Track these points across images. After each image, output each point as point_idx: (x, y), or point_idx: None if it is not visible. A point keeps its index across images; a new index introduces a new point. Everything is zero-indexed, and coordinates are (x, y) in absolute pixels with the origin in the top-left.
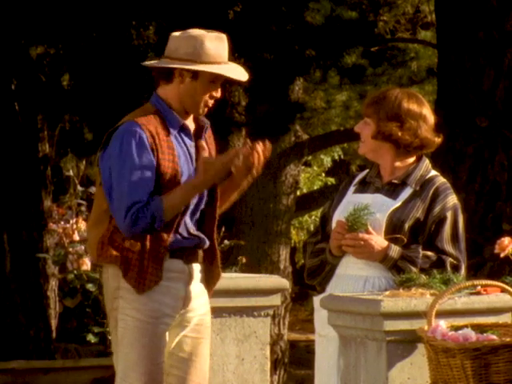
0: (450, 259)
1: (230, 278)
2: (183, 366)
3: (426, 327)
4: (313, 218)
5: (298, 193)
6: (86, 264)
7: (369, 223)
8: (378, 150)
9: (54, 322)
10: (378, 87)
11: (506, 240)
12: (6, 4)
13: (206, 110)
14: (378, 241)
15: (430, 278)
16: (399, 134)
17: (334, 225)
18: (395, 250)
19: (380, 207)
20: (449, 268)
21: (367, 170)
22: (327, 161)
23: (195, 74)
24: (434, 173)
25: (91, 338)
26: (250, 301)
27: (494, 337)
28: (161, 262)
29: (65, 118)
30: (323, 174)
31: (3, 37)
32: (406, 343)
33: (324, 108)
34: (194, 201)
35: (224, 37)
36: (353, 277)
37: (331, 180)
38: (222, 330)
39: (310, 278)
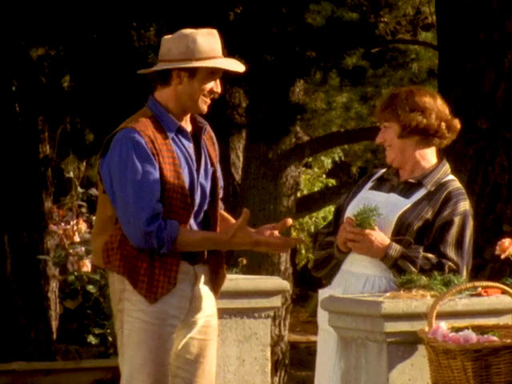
0: (450, 263)
1: (230, 280)
2: (190, 368)
3: (426, 328)
4: (313, 219)
5: (299, 194)
6: (87, 265)
7: (376, 224)
8: (405, 149)
9: (54, 324)
10: (379, 89)
11: (506, 241)
12: (7, 5)
13: (206, 106)
14: (379, 237)
15: (430, 280)
16: (425, 121)
17: (345, 218)
18: (396, 249)
19: (393, 206)
20: (447, 272)
21: (386, 169)
22: (328, 162)
23: (192, 72)
24: (451, 177)
25: (92, 339)
26: (250, 302)
27: (495, 338)
28: (173, 267)
29: (65, 119)
30: (324, 176)
31: (4, 38)
32: (406, 345)
33: (324, 109)
34: (197, 201)
35: (215, 32)
36: (355, 274)
37: (332, 181)
38: (223, 332)
39: (315, 270)
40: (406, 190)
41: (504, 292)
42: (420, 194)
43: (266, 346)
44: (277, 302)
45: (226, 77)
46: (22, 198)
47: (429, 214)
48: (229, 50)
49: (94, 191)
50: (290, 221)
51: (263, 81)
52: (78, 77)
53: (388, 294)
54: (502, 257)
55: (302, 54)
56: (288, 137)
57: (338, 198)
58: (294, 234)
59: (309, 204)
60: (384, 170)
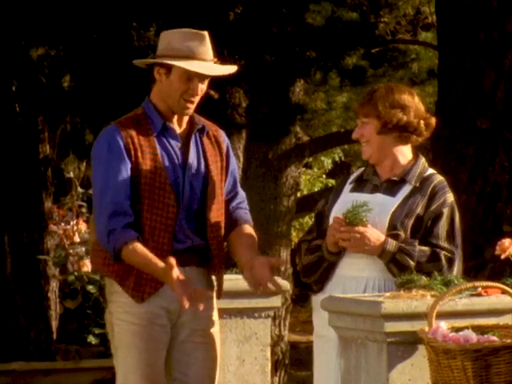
0: (444, 252)
1: (230, 280)
2: (189, 371)
3: (426, 328)
4: (313, 219)
5: (299, 194)
6: (87, 265)
7: (367, 220)
8: (383, 146)
9: (54, 324)
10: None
11: (506, 241)
12: (7, 5)
13: (189, 107)
14: (374, 234)
15: (430, 280)
16: (405, 118)
17: (331, 222)
18: (392, 244)
19: (381, 207)
20: (443, 261)
21: (362, 169)
22: (328, 162)
23: (169, 70)
24: (431, 171)
25: (92, 339)
26: (250, 302)
27: (495, 338)
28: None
29: (65, 119)
30: (324, 176)
31: (4, 38)
32: (406, 344)
33: (325, 109)
34: (185, 200)
35: (203, 34)
36: (354, 278)
37: (332, 181)
38: (223, 332)
39: (305, 276)
40: (390, 188)
41: (504, 292)
42: (405, 190)
43: (266, 345)
44: (277, 301)
45: (226, 77)
46: (21, 197)
47: (419, 209)
48: (228, 50)
49: None
50: (278, 261)
51: (263, 81)
52: (77, 77)
53: (388, 294)
54: (502, 257)
55: (302, 54)
56: (288, 137)
57: None
58: (293, 233)
59: (309, 204)
60: (360, 171)
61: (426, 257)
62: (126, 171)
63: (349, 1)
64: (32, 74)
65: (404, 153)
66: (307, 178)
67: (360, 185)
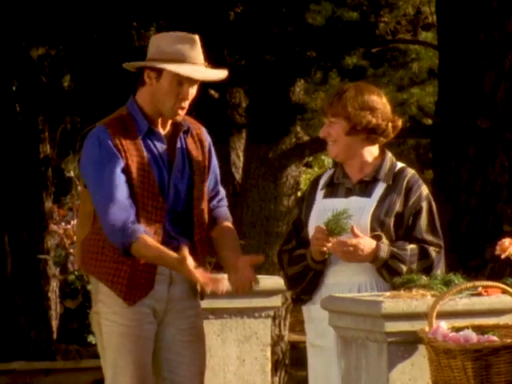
0: (432, 247)
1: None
2: (178, 370)
3: (426, 328)
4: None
5: (299, 194)
6: None
7: (348, 227)
8: (351, 146)
9: (54, 323)
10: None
11: (506, 241)
12: (7, 5)
13: (180, 113)
14: (367, 243)
15: (430, 279)
16: (374, 120)
17: (310, 232)
18: (385, 250)
19: (360, 210)
20: (433, 256)
21: (329, 172)
22: (328, 162)
23: (159, 74)
24: (400, 164)
25: (92, 339)
26: (250, 302)
27: (495, 338)
28: (152, 269)
29: (66, 119)
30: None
31: (4, 38)
32: (406, 344)
33: None
34: (170, 202)
35: (194, 38)
36: (346, 284)
37: None
38: (223, 331)
39: (292, 287)
40: (364, 189)
41: (504, 292)
42: (379, 189)
43: (266, 345)
44: (277, 301)
45: (226, 76)
46: (22, 197)
47: (397, 207)
48: (228, 50)
49: None
50: (260, 258)
51: (263, 81)
52: (78, 76)
53: (388, 294)
54: (502, 257)
55: (303, 54)
56: (288, 136)
57: None
58: None
59: None
60: (329, 175)
61: (417, 256)
62: (120, 168)
63: (349, 1)
64: (32, 73)
65: (371, 151)
66: (307, 178)
67: (332, 189)
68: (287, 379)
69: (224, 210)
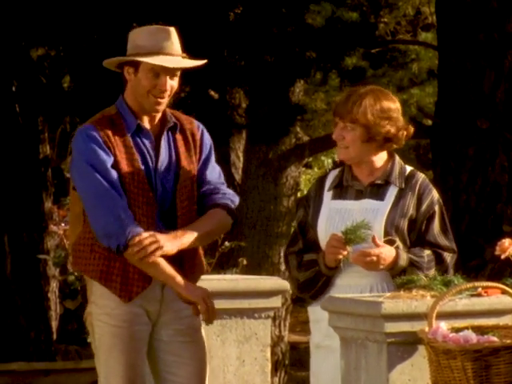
0: (446, 252)
1: (230, 280)
2: (176, 370)
3: (426, 329)
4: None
5: (299, 194)
6: None
7: (367, 237)
8: (364, 152)
9: (54, 324)
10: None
11: (506, 242)
12: (7, 6)
13: (159, 104)
14: (388, 252)
15: (430, 280)
16: (392, 130)
17: (320, 234)
18: (404, 258)
19: (373, 213)
20: (448, 261)
21: (335, 172)
22: (328, 162)
23: (136, 68)
24: (409, 168)
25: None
26: (250, 302)
27: (495, 338)
28: None
29: (65, 119)
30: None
31: (4, 38)
32: (406, 345)
33: (325, 110)
34: (158, 199)
35: (169, 29)
36: (358, 286)
37: None
38: (223, 332)
39: (302, 292)
40: (376, 191)
41: (504, 292)
42: (392, 192)
43: (266, 346)
44: (277, 302)
45: (225, 77)
46: (22, 198)
47: (411, 210)
48: (228, 50)
49: None
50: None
51: (263, 81)
52: (77, 77)
53: (388, 294)
54: (502, 257)
55: (302, 55)
56: (288, 137)
57: None
58: None
59: None
60: (334, 175)
61: (433, 262)
62: (110, 164)
63: (349, 1)
64: (32, 74)
65: (381, 156)
66: (307, 178)
67: (341, 191)
68: (287, 380)
69: (217, 196)
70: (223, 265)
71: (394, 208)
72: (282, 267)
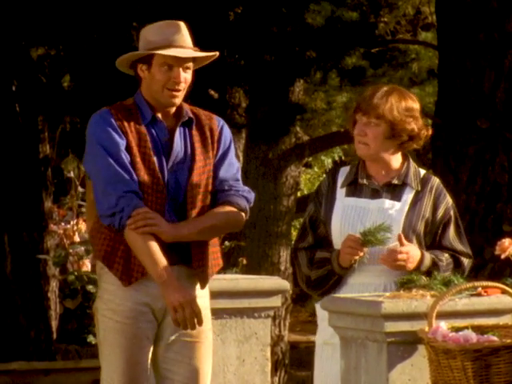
0: (463, 258)
1: (230, 280)
2: (179, 369)
3: (426, 328)
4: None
5: (299, 194)
6: (87, 265)
7: (387, 240)
8: (384, 149)
9: (54, 323)
10: None
11: (506, 241)
12: (7, 5)
13: (174, 97)
14: (415, 251)
15: (430, 280)
16: (416, 128)
17: (334, 230)
18: (428, 258)
19: (389, 212)
20: (465, 265)
21: (346, 169)
22: (328, 162)
23: (149, 64)
24: (423, 170)
25: (92, 339)
26: (250, 302)
27: (495, 338)
28: None
29: (65, 119)
30: (324, 175)
31: (4, 38)
32: (406, 344)
33: (324, 109)
34: (171, 191)
35: (178, 23)
36: (371, 285)
37: None
38: (223, 332)
39: (313, 289)
40: (392, 191)
41: (504, 292)
42: (409, 194)
43: (266, 345)
44: (277, 301)
45: (225, 76)
46: (21, 197)
47: (427, 213)
48: (228, 50)
49: None
50: None
51: (263, 81)
52: (77, 76)
53: (388, 294)
54: (502, 257)
55: (302, 54)
56: (288, 136)
57: None
58: (294, 233)
59: None
60: (346, 172)
61: (452, 265)
62: (122, 146)
63: (349, 1)
64: (32, 73)
65: (397, 156)
66: (307, 178)
67: (355, 189)
68: (287, 379)
69: (229, 193)
70: (223, 264)
71: (411, 210)
72: (282, 267)
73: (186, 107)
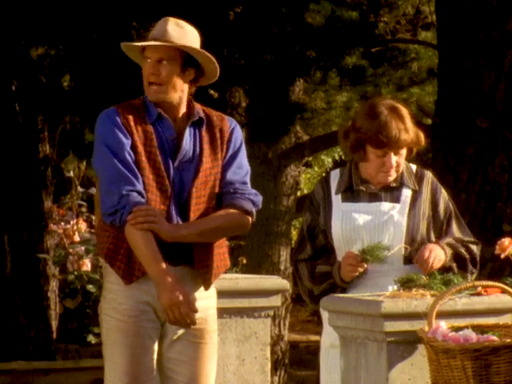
0: (472, 246)
1: (230, 279)
2: (182, 370)
3: (426, 328)
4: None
5: (299, 193)
6: (87, 265)
7: (385, 257)
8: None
9: (54, 323)
10: (379, 88)
11: (506, 241)
12: (7, 5)
13: (150, 89)
14: (436, 249)
15: (430, 279)
16: (423, 142)
17: (335, 236)
18: (448, 253)
19: (390, 214)
20: (475, 252)
21: (337, 174)
22: (328, 161)
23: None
24: (414, 166)
25: (92, 338)
26: (250, 302)
27: (495, 338)
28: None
29: (65, 118)
30: (324, 175)
31: (4, 37)
32: (406, 344)
33: (324, 109)
34: (175, 190)
35: (168, 19)
36: (376, 285)
37: None
38: (223, 331)
39: (316, 303)
40: (390, 194)
41: (504, 291)
42: (406, 194)
43: (266, 345)
44: (277, 301)
45: (225, 76)
46: (21, 197)
47: (427, 210)
48: (228, 50)
49: (93, 190)
50: None
51: (263, 80)
52: (77, 76)
53: (388, 293)
54: (502, 256)
55: (302, 54)
56: (288, 136)
57: None
58: (293, 233)
59: None
60: (338, 177)
61: (468, 257)
62: (127, 145)
63: (348, 0)
64: (32, 73)
65: None
66: (307, 177)
67: (353, 194)
68: (287, 379)
69: (233, 196)
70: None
71: (412, 210)
72: (282, 266)
73: (198, 107)
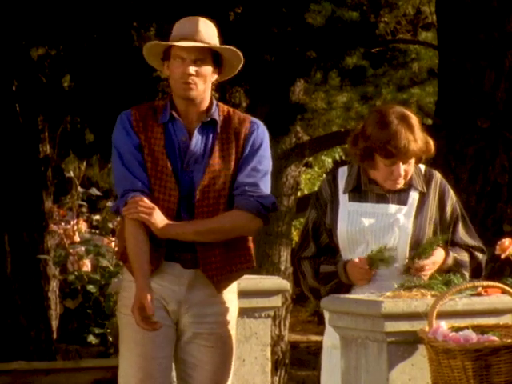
0: (477, 253)
1: None
2: (193, 372)
3: (426, 328)
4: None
5: (299, 194)
6: (87, 265)
7: (392, 261)
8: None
9: (54, 323)
10: (379, 88)
11: (506, 241)
12: (7, 5)
13: (186, 89)
14: (440, 258)
15: (430, 279)
16: (433, 150)
17: (341, 235)
18: (451, 258)
19: (396, 216)
20: (480, 258)
21: (344, 172)
22: (328, 162)
23: (168, 60)
24: (423, 166)
25: (92, 339)
26: (250, 302)
27: (495, 338)
28: (162, 243)
29: (66, 119)
30: (324, 175)
31: (4, 38)
32: (406, 344)
33: (325, 109)
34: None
35: (196, 18)
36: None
37: None
38: None
39: (319, 299)
40: (398, 195)
41: (504, 292)
42: (414, 197)
43: (266, 345)
44: (277, 301)
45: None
46: (22, 197)
47: (434, 214)
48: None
49: (94, 191)
50: None
51: (263, 80)
52: (78, 77)
53: (388, 294)
54: (502, 256)
55: (303, 54)
56: (288, 136)
57: None
58: (294, 233)
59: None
60: (345, 176)
61: (471, 264)
62: (134, 146)
63: (349, 0)
64: (32, 73)
65: None
66: (307, 178)
67: (360, 194)
68: (287, 379)
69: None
70: None
71: (419, 213)
72: (282, 266)
73: (220, 108)
